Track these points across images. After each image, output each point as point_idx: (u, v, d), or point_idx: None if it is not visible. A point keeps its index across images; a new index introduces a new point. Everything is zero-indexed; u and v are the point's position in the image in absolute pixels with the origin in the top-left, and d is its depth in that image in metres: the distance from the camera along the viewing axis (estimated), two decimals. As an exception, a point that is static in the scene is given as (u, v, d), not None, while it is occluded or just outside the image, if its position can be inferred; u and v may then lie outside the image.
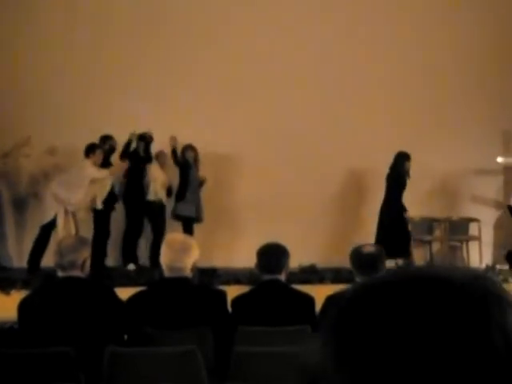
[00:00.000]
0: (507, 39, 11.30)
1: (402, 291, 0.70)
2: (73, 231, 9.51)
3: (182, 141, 10.32)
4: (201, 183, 10.51)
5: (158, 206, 10.35)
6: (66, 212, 9.66)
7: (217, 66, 10.87)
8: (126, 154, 10.22)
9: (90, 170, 9.73)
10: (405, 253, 10.22)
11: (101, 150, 9.91)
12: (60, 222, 9.57)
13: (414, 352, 0.66)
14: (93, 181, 9.78)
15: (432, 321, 0.67)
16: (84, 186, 9.71)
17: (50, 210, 9.64)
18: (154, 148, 10.48)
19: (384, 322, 0.68)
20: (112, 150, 10.25)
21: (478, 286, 0.71)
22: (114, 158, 10.31)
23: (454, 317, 0.68)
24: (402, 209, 10.21)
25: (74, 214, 9.74)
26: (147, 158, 10.37)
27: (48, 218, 9.62)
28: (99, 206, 9.94)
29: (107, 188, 10.01)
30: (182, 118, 10.55)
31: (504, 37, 11.28)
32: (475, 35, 11.19)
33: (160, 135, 10.17)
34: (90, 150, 9.84)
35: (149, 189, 10.35)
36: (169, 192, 10.53)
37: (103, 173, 9.88)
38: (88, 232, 9.51)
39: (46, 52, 10.61)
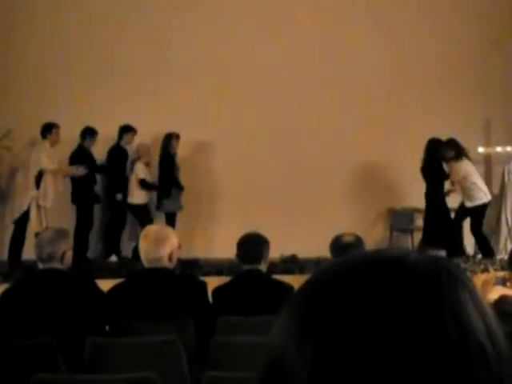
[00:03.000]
0: (490, 27, 11.35)
1: (360, 272, 0.72)
2: (45, 223, 9.42)
3: (162, 130, 10.30)
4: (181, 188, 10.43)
5: (141, 207, 10.30)
6: (38, 204, 9.59)
7: (199, 56, 10.85)
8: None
9: (42, 159, 9.47)
10: (447, 245, 9.79)
11: (57, 128, 9.63)
12: (33, 215, 9.49)
13: (369, 330, 0.68)
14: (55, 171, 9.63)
15: (384, 301, 0.69)
16: (39, 178, 9.49)
17: (22, 201, 9.58)
18: (136, 141, 10.45)
19: (343, 301, 0.70)
20: (89, 156, 10.11)
21: (431, 267, 0.72)
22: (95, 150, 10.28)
23: (406, 297, 0.69)
24: (442, 197, 10.09)
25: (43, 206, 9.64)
26: (126, 153, 10.31)
27: (20, 211, 9.56)
28: (48, 203, 9.69)
29: (55, 185, 9.73)
30: (162, 107, 10.52)
31: (487, 25, 11.33)
32: (457, 23, 11.24)
33: (142, 127, 10.17)
34: (46, 129, 9.60)
35: (131, 190, 10.26)
36: (143, 183, 10.44)
37: (51, 166, 9.55)
38: (71, 224, 9.51)
39: (30, 44, 10.55)
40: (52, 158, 9.63)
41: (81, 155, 9.95)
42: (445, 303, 0.69)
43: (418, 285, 0.70)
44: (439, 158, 9.96)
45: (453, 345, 0.68)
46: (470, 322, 0.69)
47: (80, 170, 9.74)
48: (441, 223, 9.89)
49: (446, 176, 10.06)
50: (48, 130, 9.62)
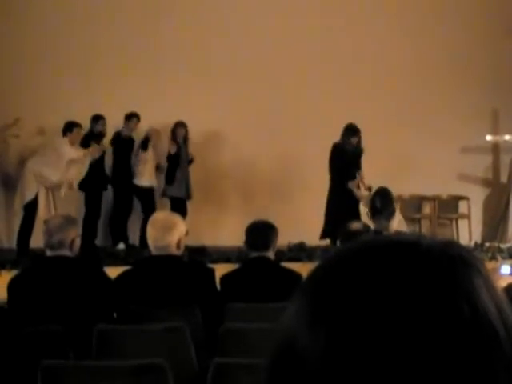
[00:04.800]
0: (499, 16, 11.30)
1: (372, 256, 0.72)
2: (53, 210, 9.47)
3: (171, 119, 10.30)
4: (190, 161, 10.49)
5: (149, 190, 10.32)
6: (47, 191, 9.63)
7: (206, 45, 10.83)
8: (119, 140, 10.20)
9: (66, 149, 9.58)
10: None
11: (79, 128, 9.71)
12: (41, 202, 9.53)
13: (382, 315, 0.67)
14: (71, 161, 9.66)
15: (398, 285, 0.68)
16: (61, 166, 9.54)
17: (31, 189, 9.61)
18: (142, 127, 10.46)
19: (354, 286, 0.70)
20: (101, 134, 10.12)
21: (445, 251, 0.72)
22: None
23: (420, 281, 0.68)
24: (348, 191, 9.63)
25: (53, 194, 9.68)
26: (131, 141, 10.32)
27: (29, 197, 9.60)
28: (75, 187, 9.84)
29: (84, 170, 9.80)
30: (171, 96, 10.53)
31: (496, 13, 11.28)
32: (463, 11, 11.19)
33: (150, 115, 10.17)
34: (67, 128, 9.65)
35: (138, 172, 10.28)
36: (157, 168, 10.48)
37: (80, 153, 9.66)
38: (78, 212, 9.55)
39: (36, 32, 10.54)
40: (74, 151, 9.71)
41: (91, 139, 9.98)
42: (459, 287, 0.69)
43: (433, 269, 0.70)
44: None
45: (467, 329, 0.67)
46: (484, 307, 0.69)
47: (99, 149, 9.83)
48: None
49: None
50: (69, 129, 9.67)
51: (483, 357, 0.67)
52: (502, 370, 0.67)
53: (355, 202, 9.56)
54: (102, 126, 10.10)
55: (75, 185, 9.84)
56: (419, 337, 0.66)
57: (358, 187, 9.72)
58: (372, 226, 8.87)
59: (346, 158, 9.67)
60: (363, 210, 9.39)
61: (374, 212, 8.89)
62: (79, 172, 9.78)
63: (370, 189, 9.70)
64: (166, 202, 10.37)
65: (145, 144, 10.34)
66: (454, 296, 0.68)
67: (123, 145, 10.22)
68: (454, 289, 0.69)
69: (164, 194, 10.37)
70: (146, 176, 10.32)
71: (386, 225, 8.87)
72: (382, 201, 8.85)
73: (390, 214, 8.83)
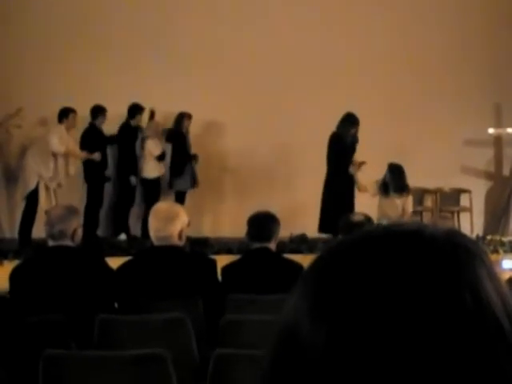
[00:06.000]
0: (502, 8, 11.26)
1: (375, 245, 0.71)
2: (54, 201, 9.48)
3: (173, 109, 10.28)
4: (194, 158, 10.40)
5: (155, 181, 10.31)
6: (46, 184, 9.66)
7: (212, 36, 10.81)
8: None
9: (53, 141, 9.56)
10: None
11: (74, 114, 9.71)
12: (41, 192, 9.56)
13: (385, 306, 0.67)
14: (56, 154, 9.66)
15: (402, 274, 0.68)
16: (49, 160, 9.59)
17: (31, 179, 9.62)
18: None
19: (357, 276, 0.69)
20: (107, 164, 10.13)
21: (449, 241, 0.71)
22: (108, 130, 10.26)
23: (424, 271, 0.68)
24: (348, 181, 9.56)
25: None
26: (136, 131, 10.30)
27: (30, 188, 9.61)
28: (53, 185, 9.77)
29: (75, 164, 9.88)
30: (172, 87, 10.51)
31: (498, 6, 11.25)
32: (469, 4, 11.16)
33: (151, 105, 10.16)
34: (62, 114, 9.67)
35: (144, 165, 10.28)
36: (161, 157, 10.42)
37: (61, 149, 9.64)
38: (80, 202, 9.55)
39: (40, 22, 10.52)
40: (65, 141, 9.67)
41: (92, 134, 9.96)
42: (462, 277, 0.68)
43: (437, 258, 0.69)
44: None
45: (470, 319, 0.66)
46: (488, 297, 0.68)
47: (96, 156, 9.80)
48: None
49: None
50: (65, 114, 9.68)
51: (487, 348, 0.66)
52: (506, 364, 0.67)
53: (351, 192, 9.56)
54: (102, 119, 10.08)
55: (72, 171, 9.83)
56: (421, 327, 0.65)
57: (359, 167, 9.67)
58: (382, 203, 8.95)
59: (345, 147, 9.63)
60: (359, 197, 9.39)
61: (384, 187, 8.96)
62: (71, 165, 9.79)
63: (361, 164, 9.61)
64: (170, 192, 10.37)
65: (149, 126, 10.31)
66: (456, 286, 0.67)
67: (129, 135, 10.21)
68: (457, 279, 0.68)
69: (171, 187, 10.35)
70: (153, 167, 10.30)
71: (397, 202, 8.89)
72: (392, 174, 8.89)
73: (401, 188, 8.88)
